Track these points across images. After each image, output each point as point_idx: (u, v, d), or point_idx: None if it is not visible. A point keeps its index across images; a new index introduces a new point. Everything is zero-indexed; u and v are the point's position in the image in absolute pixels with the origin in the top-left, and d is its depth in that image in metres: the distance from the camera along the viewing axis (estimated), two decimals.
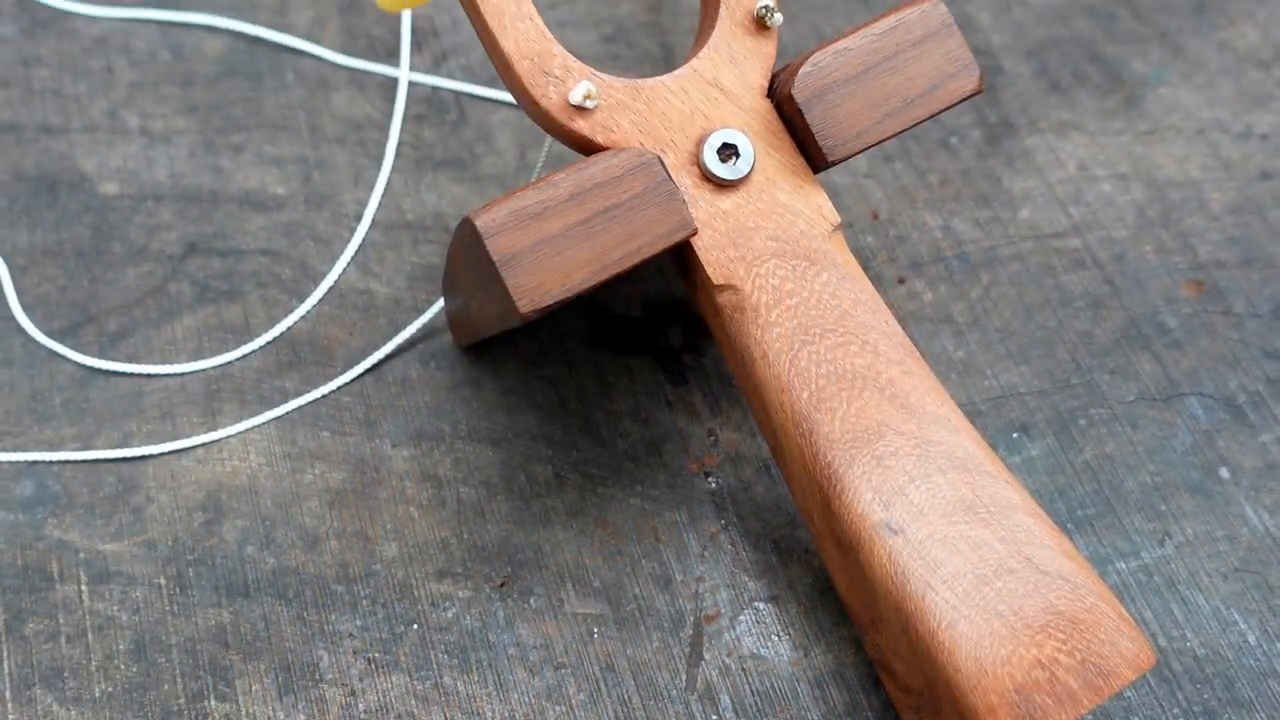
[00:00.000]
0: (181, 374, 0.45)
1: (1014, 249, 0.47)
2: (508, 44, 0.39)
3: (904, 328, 0.45)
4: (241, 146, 0.49)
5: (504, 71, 0.39)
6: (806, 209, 0.40)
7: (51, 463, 0.43)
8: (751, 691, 0.40)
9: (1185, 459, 0.43)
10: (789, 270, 0.39)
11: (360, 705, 0.40)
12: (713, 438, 0.44)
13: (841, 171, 0.49)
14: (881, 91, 0.40)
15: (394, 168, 0.49)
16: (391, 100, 0.50)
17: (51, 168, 0.49)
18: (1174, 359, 0.45)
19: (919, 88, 0.40)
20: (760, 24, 0.40)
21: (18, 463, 0.43)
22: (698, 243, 0.39)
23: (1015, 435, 0.44)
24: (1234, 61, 0.51)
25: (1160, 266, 0.47)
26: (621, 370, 0.45)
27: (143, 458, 0.43)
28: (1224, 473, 0.43)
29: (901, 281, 0.47)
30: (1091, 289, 0.47)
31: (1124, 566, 0.42)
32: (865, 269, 0.47)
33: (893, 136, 0.40)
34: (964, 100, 0.41)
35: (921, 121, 0.40)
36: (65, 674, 0.40)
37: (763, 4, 0.40)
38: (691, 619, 0.41)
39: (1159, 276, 0.47)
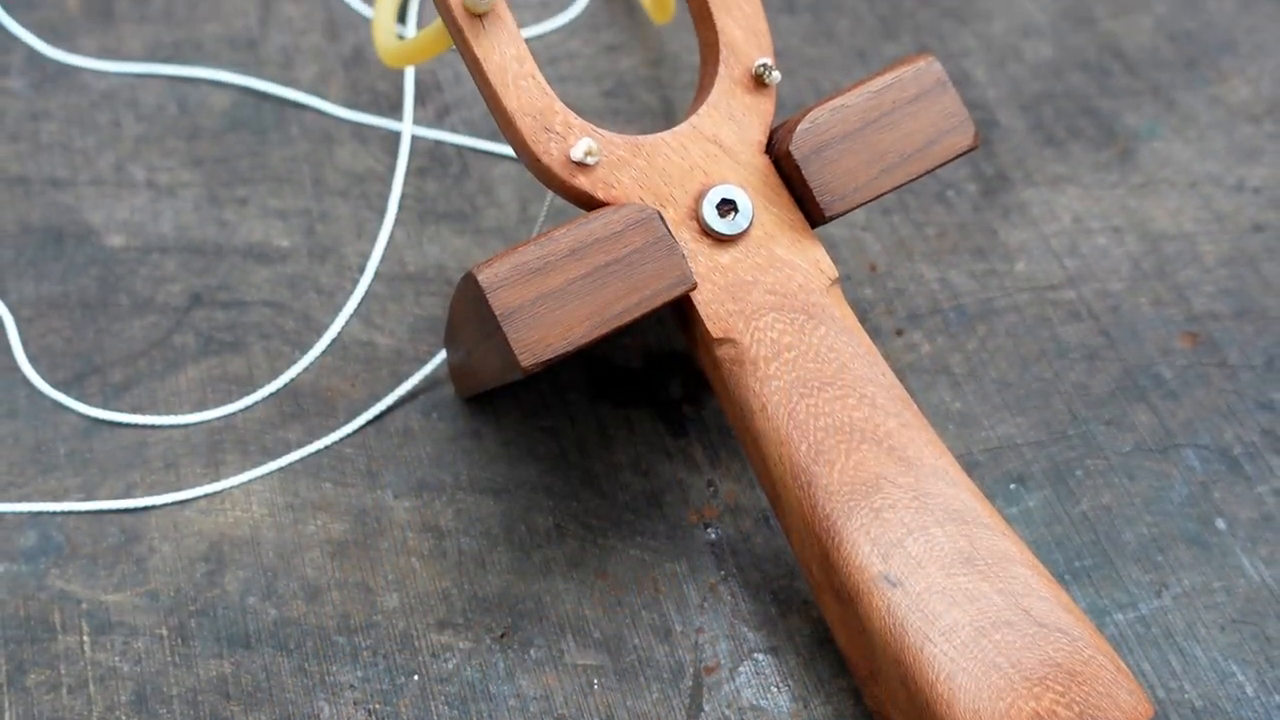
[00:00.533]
0: (185, 425, 0.45)
1: (1010, 301, 0.48)
2: (510, 101, 0.39)
3: (902, 379, 0.46)
4: (246, 199, 0.50)
5: (506, 128, 0.40)
6: (804, 263, 0.40)
7: (55, 513, 0.44)
8: None
9: (1182, 510, 0.44)
10: (787, 324, 0.40)
11: None
12: (712, 489, 0.44)
13: (839, 224, 0.49)
14: (878, 148, 0.40)
15: (396, 220, 0.50)
16: (394, 154, 0.51)
17: (58, 220, 0.49)
18: (1170, 410, 0.46)
19: (915, 144, 0.40)
20: (758, 82, 0.41)
21: (21, 513, 0.44)
22: (697, 297, 0.39)
23: (1013, 486, 0.44)
24: (1226, 116, 0.52)
25: (1155, 318, 0.47)
26: (622, 422, 0.46)
27: (145, 508, 0.44)
28: (1220, 524, 0.43)
29: (899, 333, 0.47)
30: (1087, 341, 0.47)
31: (1121, 618, 0.42)
32: (863, 321, 0.47)
33: (889, 192, 0.41)
34: (960, 156, 0.41)
35: (918, 177, 0.41)
36: None
37: (761, 62, 0.41)
38: (691, 670, 0.41)
39: (1154, 328, 0.47)
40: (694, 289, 0.39)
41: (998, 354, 0.47)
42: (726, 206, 0.40)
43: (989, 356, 0.47)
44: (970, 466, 0.45)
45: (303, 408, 0.46)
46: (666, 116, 0.52)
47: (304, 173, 0.51)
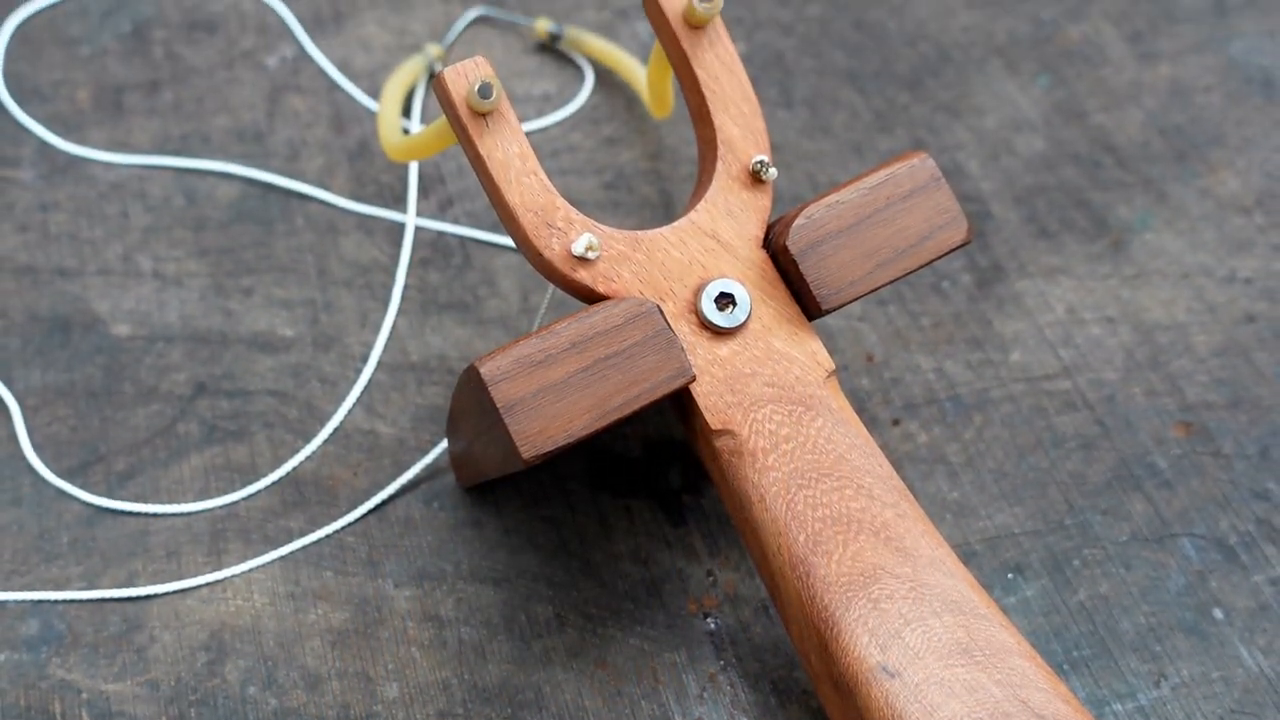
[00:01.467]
0: (187, 514, 0.46)
1: (1006, 391, 0.48)
2: (512, 197, 0.40)
3: (899, 469, 0.46)
4: (251, 289, 0.51)
5: (508, 223, 0.41)
6: (802, 355, 0.41)
7: (57, 602, 0.44)
8: None
9: (1179, 600, 0.44)
10: (785, 415, 0.40)
11: None
12: (711, 578, 0.45)
13: (837, 315, 0.50)
14: (873, 242, 0.41)
15: (399, 310, 0.50)
16: (398, 245, 0.52)
17: (65, 309, 0.50)
18: (1165, 500, 0.46)
19: (910, 239, 0.41)
20: (756, 178, 0.42)
21: (24, 601, 0.44)
22: (696, 389, 0.40)
23: (1010, 576, 0.44)
24: (1216, 208, 0.53)
25: (1149, 408, 0.48)
26: (622, 511, 0.46)
27: (147, 597, 0.44)
28: (1218, 613, 0.44)
29: (896, 423, 0.48)
30: (1082, 430, 0.47)
31: (1120, 708, 0.42)
32: (860, 411, 0.48)
33: (885, 286, 0.41)
34: (953, 250, 0.42)
35: (912, 271, 0.41)
36: None
37: (758, 159, 0.42)
38: None
39: (1149, 418, 0.48)
40: (693, 381, 0.39)
41: (994, 444, 0.47)
42: (725, 300, 0.41)
43: (985, 446, 0.47)
44: (968, 556, 0.45)
45: (305, 496, 0.46)
46: (665, 208, 0.53)
47: (309, 263, 0.51)
